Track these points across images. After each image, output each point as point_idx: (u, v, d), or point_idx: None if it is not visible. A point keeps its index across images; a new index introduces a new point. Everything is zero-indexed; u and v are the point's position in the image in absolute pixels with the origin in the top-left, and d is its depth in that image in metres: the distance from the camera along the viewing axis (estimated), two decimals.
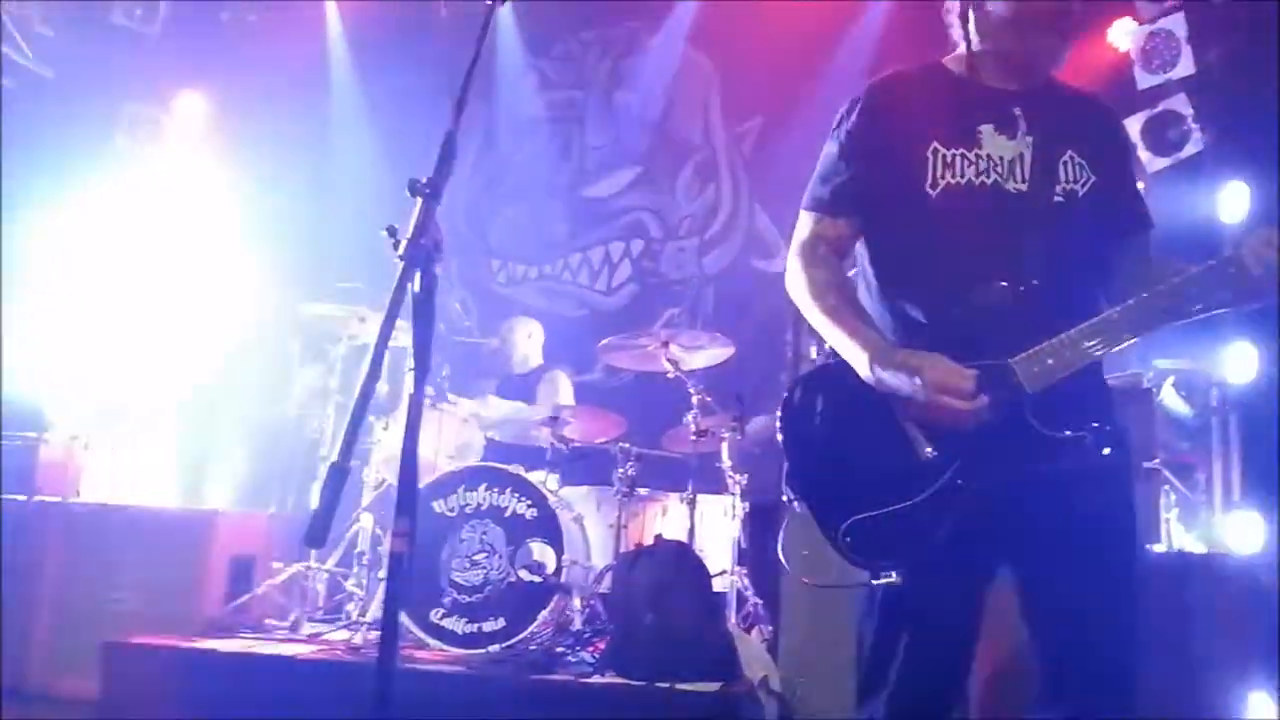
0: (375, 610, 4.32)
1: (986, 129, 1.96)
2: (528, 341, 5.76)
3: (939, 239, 1.94)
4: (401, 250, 1.46)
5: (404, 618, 4.11)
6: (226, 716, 3.63)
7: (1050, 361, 1.81)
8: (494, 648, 4.03)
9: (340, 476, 1.31)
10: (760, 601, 4.53)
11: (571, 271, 6.79)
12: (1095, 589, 1.84)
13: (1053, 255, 1.87)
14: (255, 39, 6.81)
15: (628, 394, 5.83)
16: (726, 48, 6.62)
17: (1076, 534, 1.84)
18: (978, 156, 1.94)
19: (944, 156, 1.95)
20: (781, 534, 3.63)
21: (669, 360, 4.73)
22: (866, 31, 6.16)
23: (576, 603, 4.30)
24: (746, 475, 4.81)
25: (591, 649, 4.06)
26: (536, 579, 4.12)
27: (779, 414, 2.05)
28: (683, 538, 4.45)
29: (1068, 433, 1.79)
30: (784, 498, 2.01)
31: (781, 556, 3.57)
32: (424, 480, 4.35)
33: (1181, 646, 3.37)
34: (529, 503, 4.25)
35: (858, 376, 1.92)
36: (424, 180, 1.51)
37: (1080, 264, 1.91)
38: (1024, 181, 1.93)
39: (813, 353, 4.25)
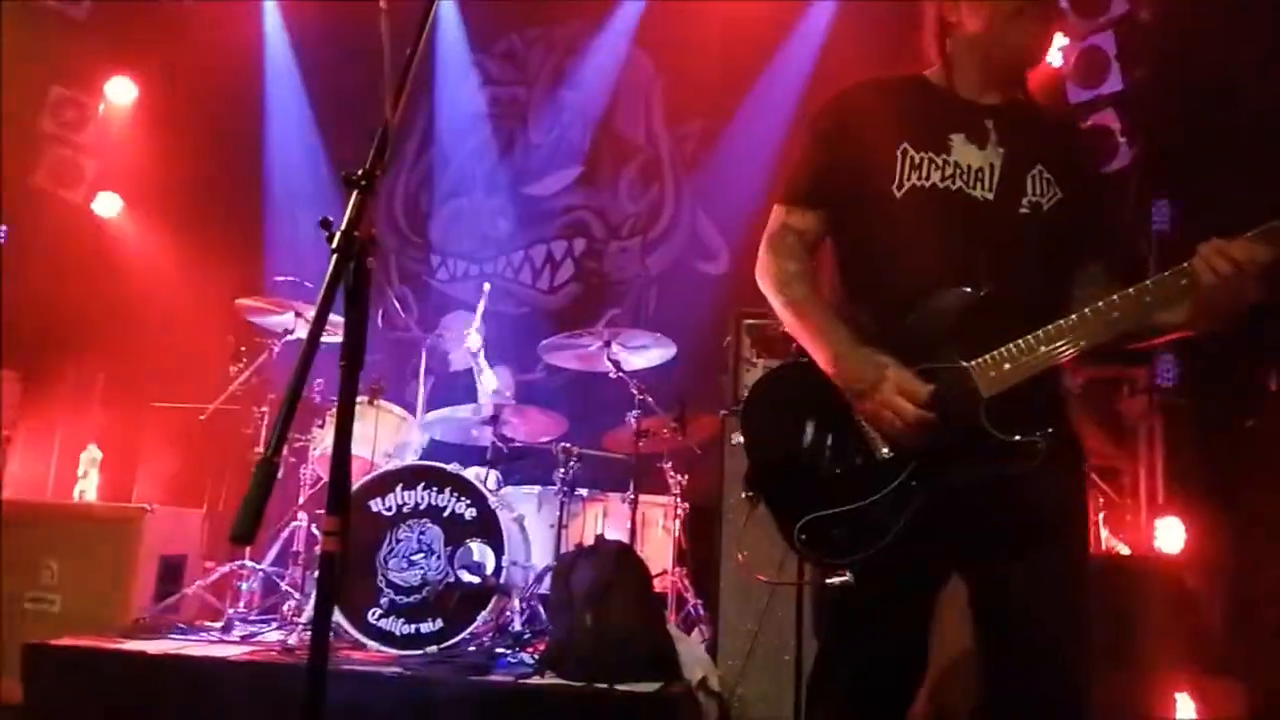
0: (311, 610, 4.25)
1: (957, 138, 1.99)
2: (466, 338, 5.70)
3: (901, 239, 1.97)
4: (335, 244, 1.43)
5: (340, 618, 4.05)
6: None
7: (1006, 366, 1.83)
8: (432, 649, 3.99)
9: (270, 473, 1.28)
10: (700, 602, 4.55)
11: (513, 269, 6.75)
12: (1047, 592, 1.86)
13: (1013, 264, 1.90)
14: (190, 24, 6.64)
15: (569, 394, 5.82)
16: (670, 50, 6.64)
17: (1030, 536, 1.86)
18: (945, 162, 1.97)
19: (912, 158, 1.97)
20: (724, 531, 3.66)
21: (611, 360, 4.73)
22: (808, 38, 6.23)
23: (516, 603, 4.28)
24: (687, 476, 4.82)
25: (531, 650, 4.05)
26: (476, 579, 4.09)
27: (742, 411, 2.06)
28: (624, 538, 4.46)
29: (1018, 437, 1.82)
30: (744, 494, 2.01)
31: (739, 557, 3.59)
32: (361, 479, 4.29)
33: (1108, 647, 3.45)
34: (468, 502, 4.21)
35: (821, 375, 1.94)
36: (358, 173, 1.49)
37: (1041, 275, 1.93)
38: (990, 190, 1.96)
39: (753, 355, 4.27)
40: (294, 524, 4.73)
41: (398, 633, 4.06)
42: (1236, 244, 1.75)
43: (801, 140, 2.14)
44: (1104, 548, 4.22)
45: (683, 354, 4.92)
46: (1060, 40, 5.45)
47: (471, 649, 4.04)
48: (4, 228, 5.81)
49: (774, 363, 3.99)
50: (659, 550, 4.74)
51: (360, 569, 4.10)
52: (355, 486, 4.23)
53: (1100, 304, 1.83)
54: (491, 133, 6.96)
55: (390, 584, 4.12)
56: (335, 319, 1.47)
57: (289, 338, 4.85)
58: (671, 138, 6.69)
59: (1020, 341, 1.84)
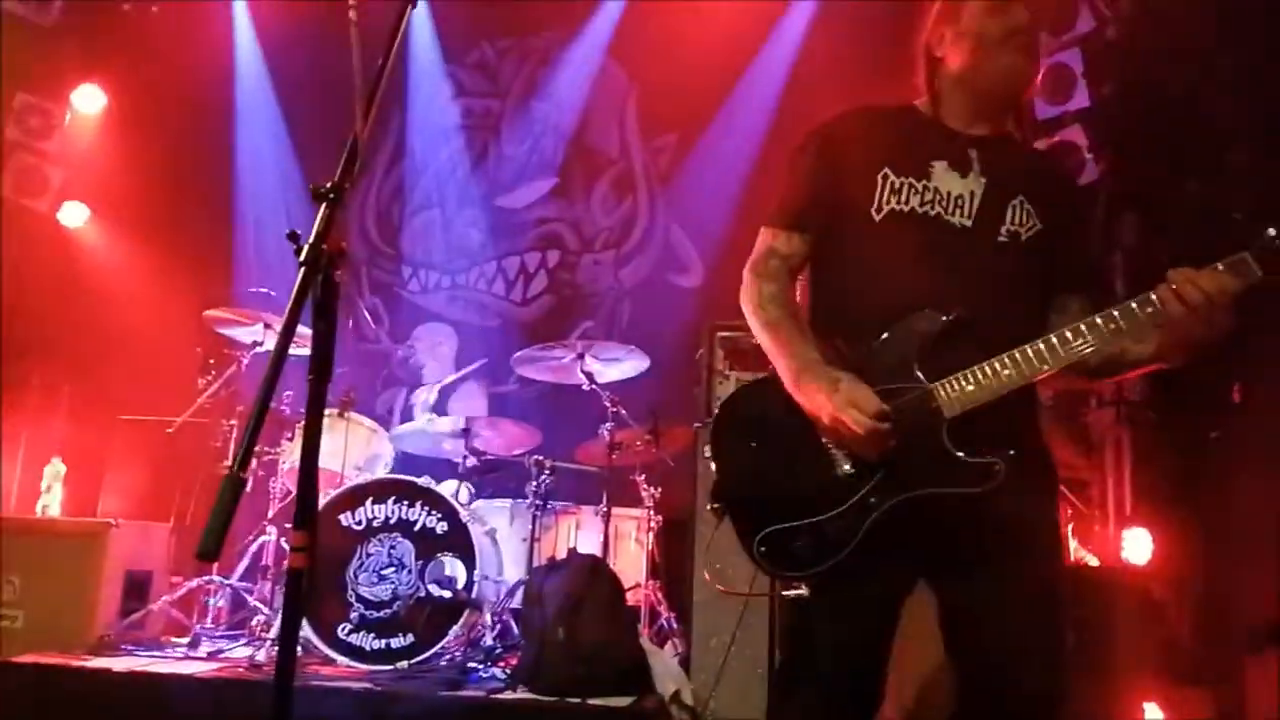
0: (279, 626, 4.20)
1: (939, 164, 2.02)
2: (438, 350, 5.68)
3: (878, 262, 2.00)
4: (303, 256, 1.42)
5: (310, 633, 4.01)
6: None
7: (970, 388, 1.86)
8: (403, 664, 3.97)
9: (236, 487, 1.26)
10: (673, 615, 4.54)
11: (486, 281, 6.73)
12: (1015, 609, 1.88)
13: (987, 290, 1.92)
14: (158, 32, 6.59)
15: (542, 406, 5.80)
16: (644, 62, 6.66)
17: (996, 553, 1.88)
18: (925, 188, 2.00)
19: (893, 183, 2.01)
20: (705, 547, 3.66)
21: (584, 372, 4.72)
22: (782, 51, 6.27)
23: (488, 618, 4.26)
24: (660, 489, 4.82)
25: (503, 664, 4.03)
26: (447, 594, 4.07)
27: (711, 425, 2.10)
28: (596, 551, 4.44)
29: (977, 458, 1.84)
30: (710, 507, 2.04)
31: (704, 572, 3.61)
32: (331, 493, 4.26)
33: (1077, 657, 3.48)
34: (439, 516, 4.19)
35: (787, 392, 1.97)
36: (327, 185, 1.48)
37: (1016, 303, 1.95)
38: (968, 218, 1.99)
39: (726, 368, 4.28)
40: (263, 538, 4.68)
41: (368, 648, 4.03)
42: (1205, 274, 1.77)
43: (789, 165, 2.17)
44: (1072, 559, 4.25)
45: (656, 366, 4.92)
46: None
47: (443, 664, 4.03)
48: None
49: (747, 376, 4.02)
50: (632, 563, 4.73)
51: (330, 583, 4.07)
52: (325, 500, 4.20)
53: (1067, 331, 1.85)
54: (464, 144, 6.95)
55: (360, 599, 4.08)
56: (304, 331, 1.45)
57: (258, 350, 4.80)
58: (645, 150, 6.70)
59: (985, 365, 1.86)
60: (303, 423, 4.63)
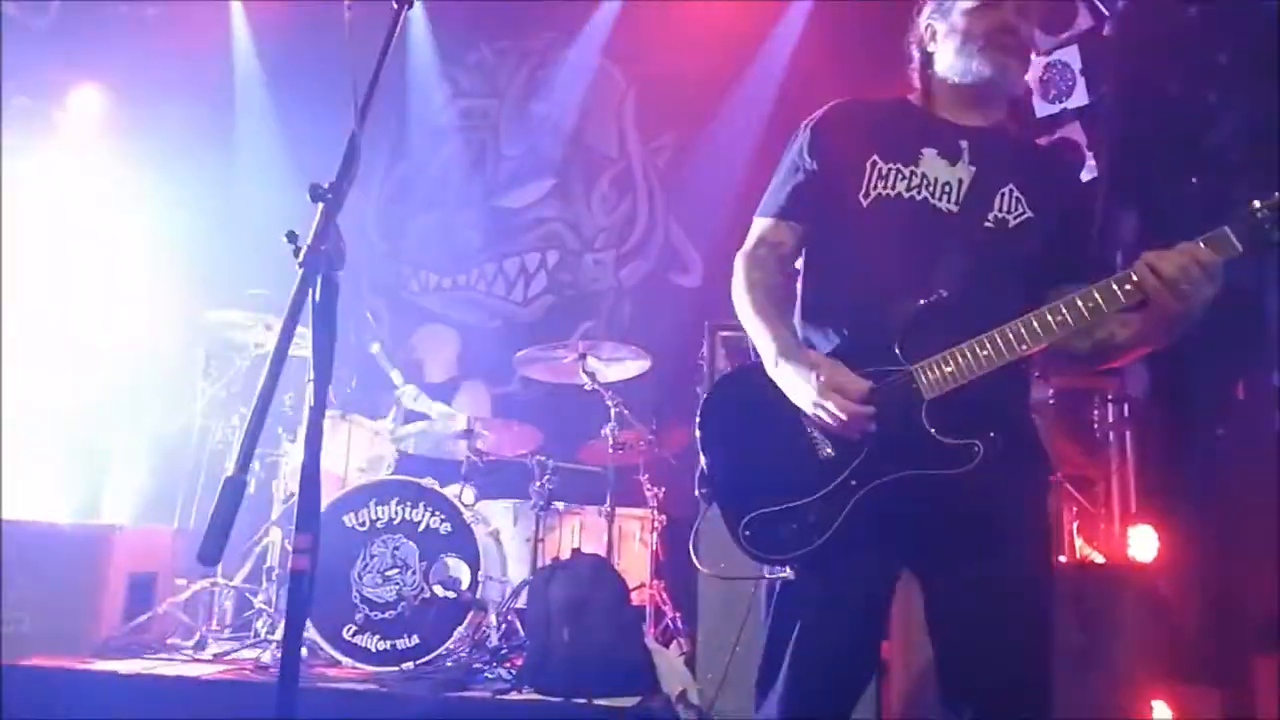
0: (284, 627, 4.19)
1: (929, 151, 2.04)
2: (440, 351, 5.67)
3: (865, 247, 2.02)
4: (301, 257, 1.41)
5: (315, 635, 4.01)
6: None
7: (949, 369, 1.87)
8: (408, 665, 3.96)
9: (236, 489, 1.26)
10: (678, 615, 4.53)
11: (486, 281, 6.72)
12: (996, 597, 1.88)
13: (971, 275, 1.92)
14: (155, 34, 6.57)
15: (544, 406, 5.79)
16: (642, 62, 6.66)
17: (977, 540, 1.89)
18: (913, 173, 2.02)
19: (880, 169, 2.03)
20: (694, 534, 3.66)
21: (586, 372, 4.71)
22: (779, 48, 6.27)
23: (492, 618, 4.25)
24: (664, 488, 4.81)
25: (508, 665, 4.02)
26: (451, 594, 4.06)
27: (698, 412, 2.11)
28: (600, 551, 4.44)
29: (952, 440, 1.84)
30: (697, 493, 2.06)
31: (693, 554, 3.61)
32: (334, 494, 4.25)
33: (1083, 654, 3.47)
34: (443, 517, 4.18)
35: (770, 378, 1.99)
36: (325, 186, 1.47)
37: (999, 286, 1.95)
38: (955, 204, 2.00)
39: (728, 367, 4.28)
40: (267, 540, 4.67)
41: (373, 649, 4.02)
42: (1180, 248, 1.78)
43: (783, 156, 2.19)
44: (1078, 556, 4.24)
45: (658, 366, 4.92)
46: None
47: (448, 665, 4.02)
48: None
49: None
50: (636, 563, 4.72)
51: (334, 585, 4.06)
52: (328, 502, 4.19)
53: (1046, 311, 1.85)
54: (463, 145, 6.95)
55: (365, 600, 4.08)
56: (306, 332, 1.45)
57: (259, 351, 4.80)
58: (644, 149, 6.70)
59: (964, 347, 1.87)
60: (304, 424, 4.66)
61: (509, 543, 4.65)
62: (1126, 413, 4.82)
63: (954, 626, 1.94)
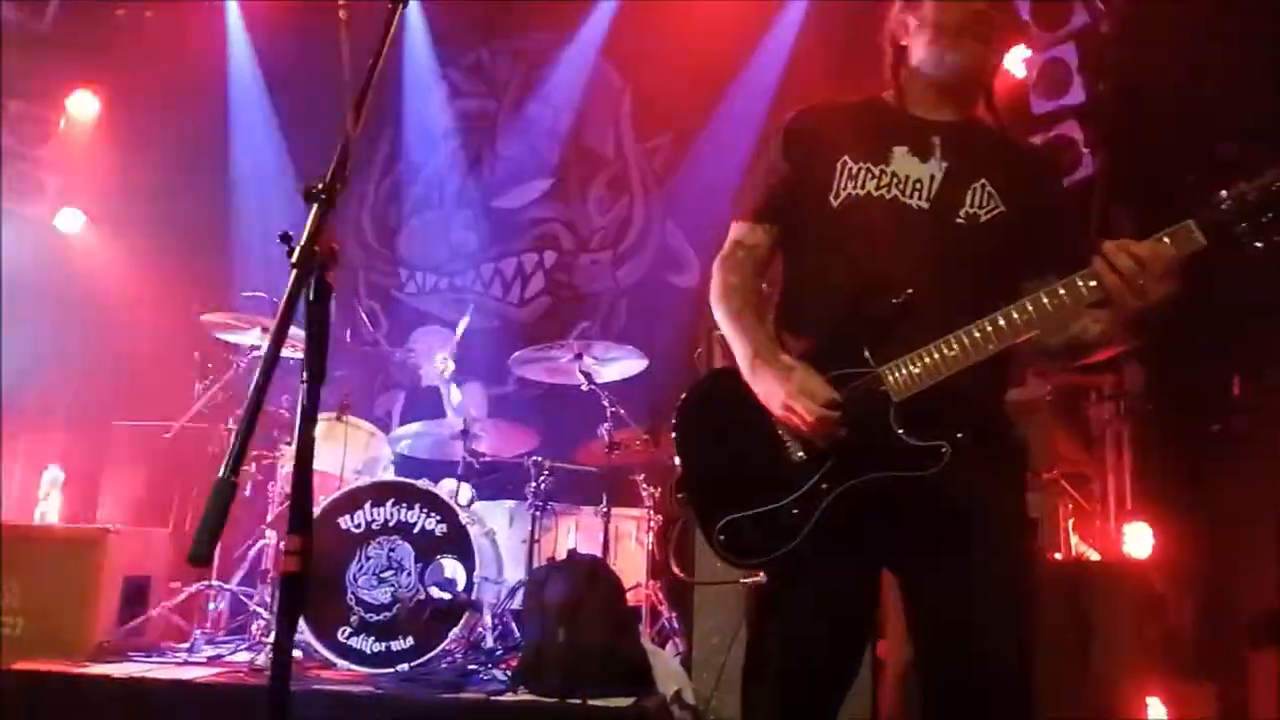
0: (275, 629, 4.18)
1: (899, 150, 2.03)
2: (437, 352, 5.65)
3: (836, 248, 2.02)
4: (295, 258, 1.41)
5: (310, 637, 4.00)
6: None
7: (916, 369, 1.86)
8: (404, 666, 3.95)
9: (227, 492, 1.25)
10: (674, 615, 4.53)
11: (483, 282, 6.72)
12: (968, 592, 1.88)
13: (942, 272, 1.91)
14: (152, 37, 6.57)
15: (541, 407, 5.79)
16: (638, 62, 6.65)
17: (948, 537, 1.88)
18: (882, 172, 2.01)
19: (850, 169, 2.03)
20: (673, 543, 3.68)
21: (582, 373, 4.70)
22: (776, 47, 6.26)
23: (488, 619, 4.25)
24: (660, 488, 4.81)
25: (504, 666, 4.01)
26: (447, 596, 4.05)
27: (674, 416, 2.12)
28: (596, 552, 4.43)
29: (920, 441, 1.84)
30: (675, 497, 2.07)
31: (673, 562, 3.64)
32: (330, 496, 4.25)
33: (1079, 651, 3.47)
34: (438, 518, 4.17)
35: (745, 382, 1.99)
36: (319, 186, 1.47)
37: (970, 283, 1.93)
38: (926, 200, 1.99)
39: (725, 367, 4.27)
40: (262, 542, 4.67)
41: (368, 651, 4.01)
42: (1139, 243, 1.76)
43: (756, 159, 2.21)
44: (1074, 553, 4.25)
45: (654, 366, 4.91)
46: (1023, 52, 5.52)
47: (444, 666, 4.01)
48: None
49: None
50: (632, 563, 4.71)
51: (330, 587, 4.05)
52: (324, 503, 4.19)
53: (1012, 309, 1.83)
54: (460, 145, 6.94)
55: (360, 601, 4.07)
56: (299, 334, 1.44)
57: (255, 354, 4.79)
58: (641, 150, 6.69)
59: (932, 347, 1.86)
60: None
61: (505, 543, 4.64)
62: (1122, 410, 4.82)
63: (932, 627, 1.94)
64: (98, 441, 5.92)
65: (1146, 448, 4.72)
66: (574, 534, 4.84)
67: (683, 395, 2.11)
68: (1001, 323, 1.83)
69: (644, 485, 4.81)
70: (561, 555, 4.40)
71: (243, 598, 4.53)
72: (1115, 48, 5.22)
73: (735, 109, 6.23)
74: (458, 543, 4.14)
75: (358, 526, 4.16)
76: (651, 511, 4.75)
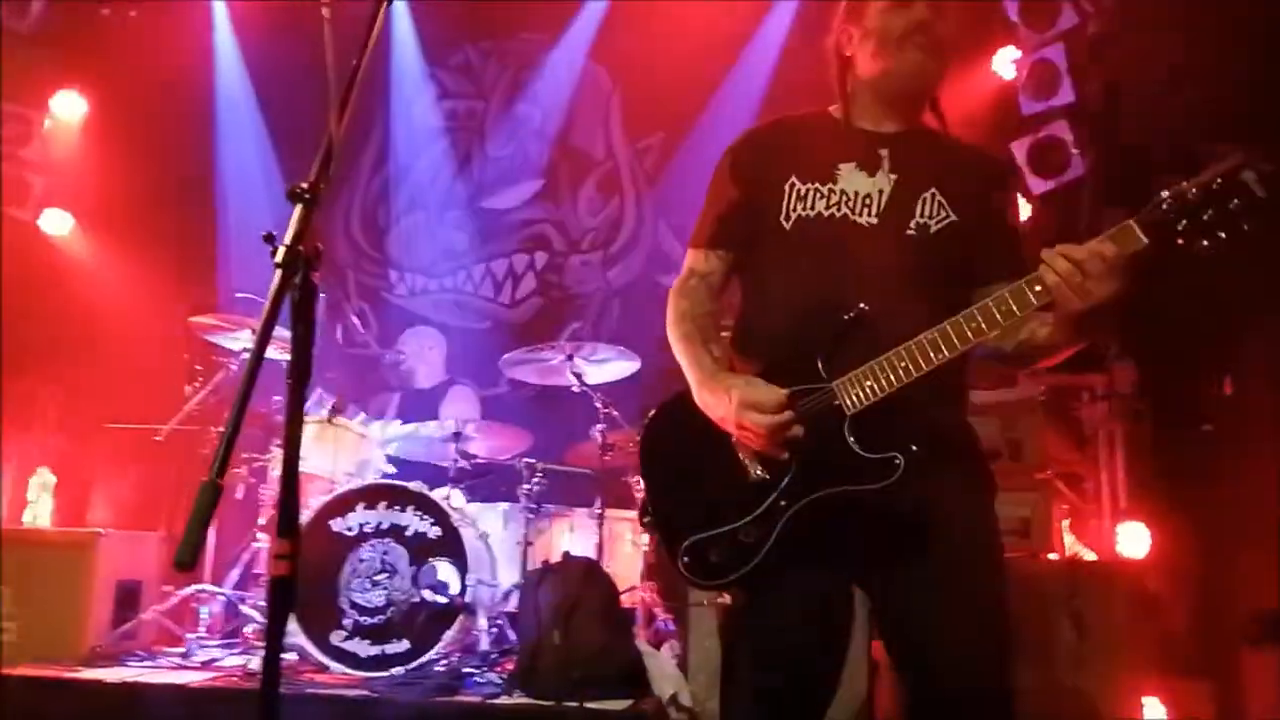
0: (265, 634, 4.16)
1: (846, 166, 2.03)
2: (428, 354, 5.64)
3: (789, 270, 2.03)
4: (279, 258, 1.39)
5: (304, 641, 3.99)
6: None
7: (869, 383, 1.86)
8: (398, 670, 3.94)
9: (213, 496, 1.24)
10: (670, 617, 4.51)
11: (474, 283, 6.70)
12: (933, 602, 1.87)
13: (892, 286, 1.92)
14: (138, 36, 6.53)
15: (533, 408, 5.77)
16: (627, 63, 6.64)
17: (912, 550, 1.88)
18: (830, 191, 2.02)
19: (798, 190, 2.03)
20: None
21: (574, 374, 4.69)
22: (765, 47, 6.26)
23: (483, 622, 4.23)
24: None
25: (499, 669, 4.01)
26: (441, 599, 4.03)
27: (639, 441, 2.14)
28: (591, 554, 4.42)
29: (873, 454, 1.84)
30: (640, 522, 2.09)
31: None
32: (322, 499, 4.23)
33: (1075, 650, 3.47)
34: (431, 521, 4.16)
35: None
36: (303, 186, 1.45)
37: (922, 295, 1.93)
38: (875, 216, 1.99)
39: None
40: (255, 545, 4.64)
41: (362, 654, 3.99)
42: (1079, 245, 1.75)
43: (709, 185, 2.20)
44: (1069, 554, 4.25)
45: (646, 367, 4.90)
46: (1012, 53, 5.54)
47: (438, 669, 3.99)
48: None
49: None
50: (627, 565, 4.70)
51: (323, 590, 4.03)
52: (316, 506, 4.17)
53: (960, 317, 1.83)
54: (449, 146, 6.92)
55: (354, 605, 4.05)
56: (288, 335, 1.42)
57: (246, 355, 4.76)
58: (631, 150, 6.69)
59: (883, 359, 1.85)
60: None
61: (498, 546, 4.62)
62: (1114, 409, 4.82)
63: (901, 640, 1.94)
64: (88, 444, 5.88)
65: (1140, 447, 4.72)
66: (568, 536, 4.83)
67: (645, 421, 2.13)
68: (951, 334, 1.83)
69: (638, 486, 4.80)
70: (556, 558, 4.38)
71: (235, 602, 4.51)
72: (1104, 48, 5.23)
73: (726, 109, 6.22)
74: (451, 545, 4.12)
75: (350, 530, 4.14)
76: None
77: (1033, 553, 3.94)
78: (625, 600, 4.21)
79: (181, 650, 4.23)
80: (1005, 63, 5.58)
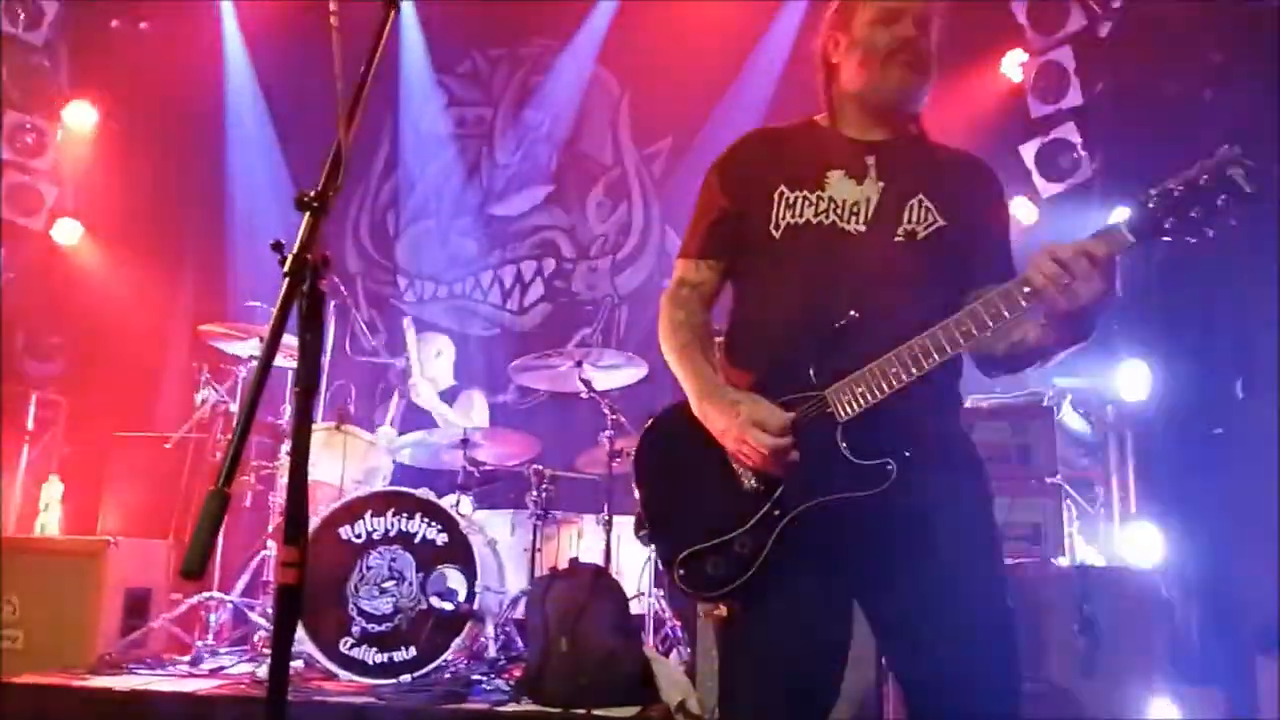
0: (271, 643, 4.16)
1: (835, 174, 2.03)
2: (436, 360, 5.64)
3: (779, 278, 2.03)
4: (287, 266, 1.40)
5: (312, 648, 3.99)
6: None
7: (860, 390, 1.85)
8: (406, 677, 3.94)
9: (220, 504, 1.24)
10: (678, 624, 4.50)
11: (482, 290, 6.71)
12: (932, 608, 1.85)
13: (882, 291, 1.91)
14: (148, 47, 6.57)
15: (541, 415, 5.78)
16: (635, 69, 6.66)
17: (906, 555, 1.87)
18: (819, 198, 2.01)
19: (787, 198, 2.03)
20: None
21: (582, 380, 4.69)
22: (773, 53, 6.26)
23: (491, 629, 4.23)
24: None
25: (506, 676, 4.00)
26: (449, 606, 4.03)
27: (634, 454, 2.13)
28: (599, 560, 4.42)
29: (866, 461, 1.83)
30: (636, 535, 2.06)
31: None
32: (330, 506, 4.23)
33: (1086, 656, 3.45)
34: (439, 527, 4.16)
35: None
36: (311, 194, 1.45)
37: (913, 300, 1.92)
38: (863, 223, 1.99)
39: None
40: (263, 553, 4.66)
41: (370, 662, 4.00)
42: (1066, 245, 1.75)
43: (698, 196, 2.20)
44: (1078, 559, 4.22)
45: (655, 373, 4.89)
46: (1020, 56, 5.53)
47: (446, 677, 3.99)
48: None
49: None
50: (635, 572, 4.69)
51: (331, 597, 4.04)
52: (324, 514, 4.17)
53: (950, 321, 1.83)
54: (457, 153, 6.95)
55: (362, 612, 4.05)
56: (294, 342, 1.43)
57: (254, 363, 4.78)
58: (639, 156, 6.70)
59: (874, 365, 1.85)
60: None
61: (506, 552, 4.62)
62: (1125, 413, 4.80)
63: (902, 647, 1.93)
64: (98, 453, 5.90)
65: (1150, 451, 4.70)
66: (576, 542, 4.83)
67: (640, 434, 2.12)
68: (941, 338, 1.82)
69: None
70: (564, 564, 4.38)
71: (244, 609, 4.51)
72: (1112, 49, 5.22)
73: (734, 114, 6.22)
74: (459, 552, 4.12)
75: (358, 537, 4.15)
76: None
77: (1043, 558, 3.93)
78: (633, 607, 4.20)
79: (190, 658, 4.24)
80: (1013, 65, 5.58)
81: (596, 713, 3.47)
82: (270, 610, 4.40)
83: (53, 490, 5.38)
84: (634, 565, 4.75)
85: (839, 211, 1.99)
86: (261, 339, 4.63)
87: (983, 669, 1.85)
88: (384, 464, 4.93)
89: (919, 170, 2.03)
